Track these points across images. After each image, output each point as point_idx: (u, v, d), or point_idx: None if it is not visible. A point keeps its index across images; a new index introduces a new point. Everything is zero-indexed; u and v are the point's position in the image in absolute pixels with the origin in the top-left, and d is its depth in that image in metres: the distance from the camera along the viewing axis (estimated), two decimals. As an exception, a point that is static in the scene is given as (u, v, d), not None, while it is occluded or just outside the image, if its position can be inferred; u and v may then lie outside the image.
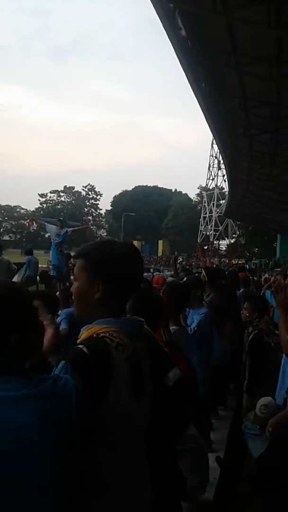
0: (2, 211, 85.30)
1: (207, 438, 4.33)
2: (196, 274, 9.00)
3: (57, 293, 5.71)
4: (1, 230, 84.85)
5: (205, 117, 14.47)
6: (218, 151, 31.34)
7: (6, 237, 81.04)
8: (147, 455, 1.66)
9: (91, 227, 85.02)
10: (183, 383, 2.35)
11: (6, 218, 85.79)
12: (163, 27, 9.06)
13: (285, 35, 8.20)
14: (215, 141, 21.78)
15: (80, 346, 1.39)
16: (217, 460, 3.96)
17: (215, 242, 62.92)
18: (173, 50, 10.01)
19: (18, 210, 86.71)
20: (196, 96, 12.54)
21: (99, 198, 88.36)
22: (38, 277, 11.10)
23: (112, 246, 1.57)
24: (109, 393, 1.36)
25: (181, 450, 3.03)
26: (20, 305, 1.31)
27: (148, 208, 77.72)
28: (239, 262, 46.85)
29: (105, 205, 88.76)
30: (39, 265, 12.87)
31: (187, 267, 23.97)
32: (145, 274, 17.64)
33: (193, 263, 47.94)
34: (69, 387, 1.27)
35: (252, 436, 4.26)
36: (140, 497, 1.53)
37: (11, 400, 1.19)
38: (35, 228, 78.55)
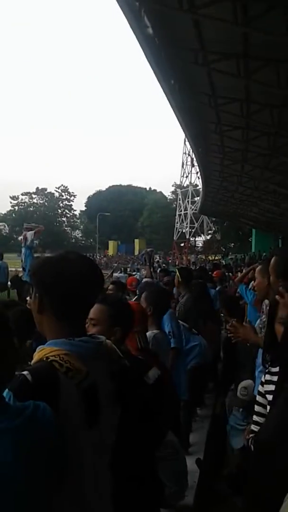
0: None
1: (186, 441, 4.29)
2: (172, 273, 8.99)
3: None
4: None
5: (176, 115, 14.45)
6: (191, 148, 31.45)
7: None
8: (125, 464, 1.61)
9: (65, 228, 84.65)
10: (163, 381, 2.29)
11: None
12: (130, 25, 8.99)
13: (250, 32, 8.21)
14: (187, 139, 21.83)
15: (24, 373, 1.30)
16: (197, 462, 3.92)
17: (191, 239, 63.29)
18: (140, 48, 9.96)
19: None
20: (165, 93, 12.50)
21: (73, 199, 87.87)
22: (9, 283, 10.91)
23: (56, 260, 1.50)
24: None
25: (159, 457, 2.97)
26: None
27: (123, 208, 77.70)
28: (216, 258, 47.28)
29: (79, 206, 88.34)
30: (12, 269, 12.64)
31: (164, 265, 23.96)
32: (120, 274, 17.60)
33: (170, 261, 48.21)
34: (48, 415, 1.20)
35: (237, 431, 4.24)
36: None
37: None
38: (7, 232, 77.82)
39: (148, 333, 3.21)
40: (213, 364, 5.94)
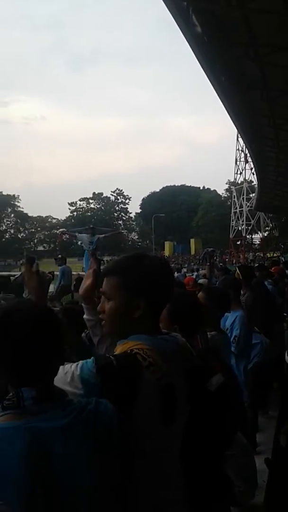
0: (35, 222, 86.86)
1: (253, 441, 4.25)
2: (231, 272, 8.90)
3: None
4: (35, 241, 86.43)
5: (228, 112, 14.32)
6: (244, 144, 30.93)
7: (41, 247, 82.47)
8: (193, 463, 1.62)
9: (122, 230, 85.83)
10: (227, 388, 2.27)
11: (38, 229, 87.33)
12: (178, 26, 9.02)
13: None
14: (240, 135, 21.50)
15: (111, 357, 1.36)
16: (266, 462, 3.86)
17: (248, 236, 62.12)
18: (190, 48, 9.96)
19: (49, 220, 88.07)
20: (216, 91, 12.43)
21: (128, 202, 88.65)
22: (73, 286, 11.24)
23: (147, 262, 1.53)
24: (131, 414, 1.30)
25: (227, 455, 2.97)
26: (59, 328, 1.28)
27: (177, 208, 77.52)
28: (274, 255, 46.14)
29: (134, 208, 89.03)
30: (74, 273, 12.98)
31: (221, 264, 23.71)
32: (179, 274, 17.59)
33: (226, 259, 47.61)
34: (110, 411, 1.25)
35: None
36: None
37: (57, 431, 1.15)
38: (67, 237, 79.88)
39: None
40: (278, 363, 5.82)
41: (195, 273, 18.43)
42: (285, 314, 7.01)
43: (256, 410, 4.90)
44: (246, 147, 27.11)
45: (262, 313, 4.99)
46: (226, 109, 14.04)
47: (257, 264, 19.05)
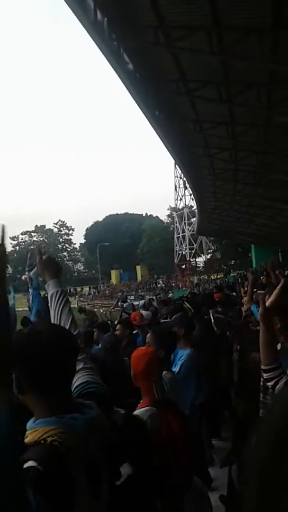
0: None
1: (207, 476, 4.21)
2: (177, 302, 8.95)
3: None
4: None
5: (163, 142, 14.67)
6: (182, 173, 31.73)
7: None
8: None
9: (67, 262, 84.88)
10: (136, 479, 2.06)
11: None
12: (109, 63, 9.21)
13: (227, 59, 8.41)
14: (177, 164, 22.08)
15: (32, 464, 1.23)
16: (220, 499, 3.83)
17: (191, 260, 63.28)
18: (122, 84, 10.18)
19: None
20: (151, 124, 12.72)
21: (72, 232, 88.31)
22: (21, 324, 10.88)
23: (24, 335, 1.49)
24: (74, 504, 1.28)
25: (185, 499, 2.94)
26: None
27: (121, 236, 78.04)
28: (218, 276, 47.20)
29: (78, 239, 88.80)
30: (19, 309, 12.58)
31: (167, 289, 24.01)
32: (124, 303, 17.55)
33: (173, 284, 48.15)
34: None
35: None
36: None
37: None
38: (10, 273, 77.81)
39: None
40: (227, 392, 5.85)
41: (142, 301, 18.53)
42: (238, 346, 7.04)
43: (210, 442, 4.89)
44: (183, 175, 27.80)
45: (210, 347, 5.03)
46: (161, 140, 14.38)
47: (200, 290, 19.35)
